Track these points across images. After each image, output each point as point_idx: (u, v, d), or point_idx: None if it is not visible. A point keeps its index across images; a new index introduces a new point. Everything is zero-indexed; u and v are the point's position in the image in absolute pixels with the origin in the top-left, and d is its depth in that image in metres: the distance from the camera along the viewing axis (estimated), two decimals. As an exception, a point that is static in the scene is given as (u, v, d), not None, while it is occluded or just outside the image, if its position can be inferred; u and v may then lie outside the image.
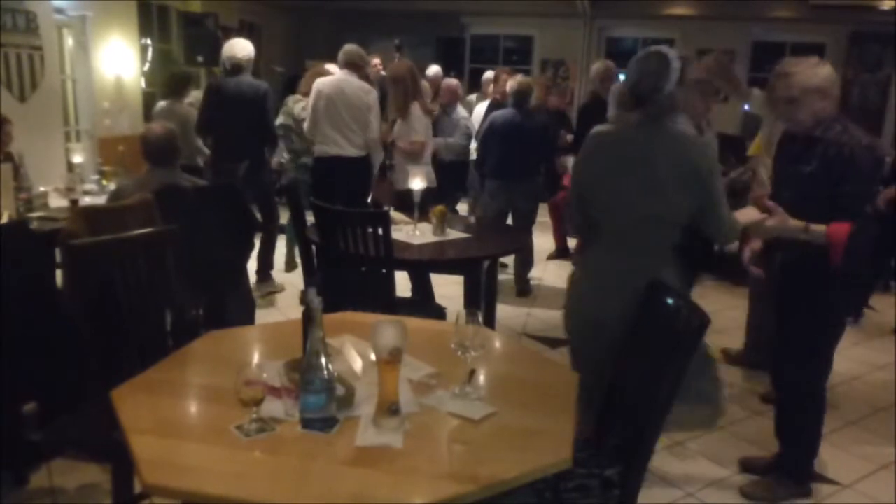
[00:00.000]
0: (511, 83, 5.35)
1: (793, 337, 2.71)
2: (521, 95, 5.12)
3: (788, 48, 10.33)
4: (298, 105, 5.20)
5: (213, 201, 3.48)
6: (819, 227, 2.41)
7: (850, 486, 2.95)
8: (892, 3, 9.62)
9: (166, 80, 5.76)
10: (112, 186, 4.38)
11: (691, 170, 2.21)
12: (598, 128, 2.45)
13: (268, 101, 4.91)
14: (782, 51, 10.45)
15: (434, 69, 7.08)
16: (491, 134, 5.13)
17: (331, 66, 5.41)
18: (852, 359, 4.32)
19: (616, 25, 11.48)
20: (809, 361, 2.70)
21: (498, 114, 5.22)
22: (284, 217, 5.28)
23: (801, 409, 2.79)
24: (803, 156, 2.53)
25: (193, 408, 1.81)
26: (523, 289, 5.42)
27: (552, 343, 4.43)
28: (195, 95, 6.22)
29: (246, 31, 10.14)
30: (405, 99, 4.54)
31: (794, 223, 2.45)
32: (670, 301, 1.96)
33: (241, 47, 4.96)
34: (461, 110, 6.06)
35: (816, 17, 10.07)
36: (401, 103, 4.58)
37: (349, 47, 4.76)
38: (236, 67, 4.90)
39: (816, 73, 2.46)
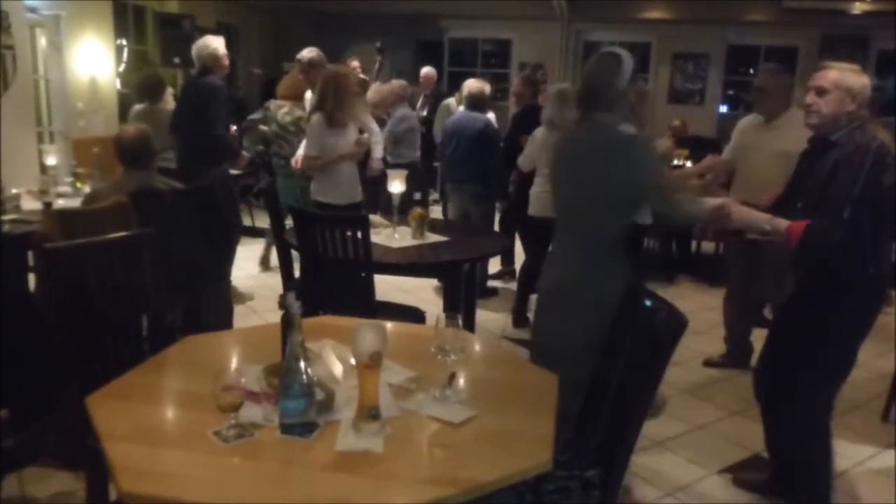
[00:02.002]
0: (467, 86, 5.26)
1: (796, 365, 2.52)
2: (472, 99, 5.07)
3: (762, 51, 10.47)
4: (282, 111, 5.14)
5: (191, 204, 3.44)
6: (781, 221, 2.36)
7: (825, 484, 2.99)
8: (862, 7, 9.80)
9: (138, 85, 5.67)
10: (87, 189, 4.32)
11: (631, 161, 2.35)
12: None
13: (208, 103, 4.63)
14: (756, 54, 10.60)
15: (427, 70, 7.05)
16: (444, 137, 5.18)
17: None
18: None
19: (593, 29, 11.55)
20: (811, 394, 2.51)
21: (451, 117, 5.26)
22: (263, 220, 5.26)
23: (801, 450, 2.57)
24: (817, 163, 2.44)
25: (171, 414, 1.79)
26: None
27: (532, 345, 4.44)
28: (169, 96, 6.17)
29: (223, 32, 10.07)
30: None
31: (760, 215, 2.42)
32: (648, 302, 1.97)
33: (202, 45, 4.78)
34: (401, 111, 5.82)
35: (789, 20, 10.22)
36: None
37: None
38: (201, 67, 4.78)
39: (856, 76, 2.43)
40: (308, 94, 4.94)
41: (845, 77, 2.40)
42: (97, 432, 1.58)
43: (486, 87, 5.19)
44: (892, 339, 4.33)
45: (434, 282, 5.34)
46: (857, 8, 9.83)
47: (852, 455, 3.23)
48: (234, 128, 5.27)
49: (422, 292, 5.30)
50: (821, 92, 2.41)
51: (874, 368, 4.23)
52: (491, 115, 5.54)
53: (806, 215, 2.36)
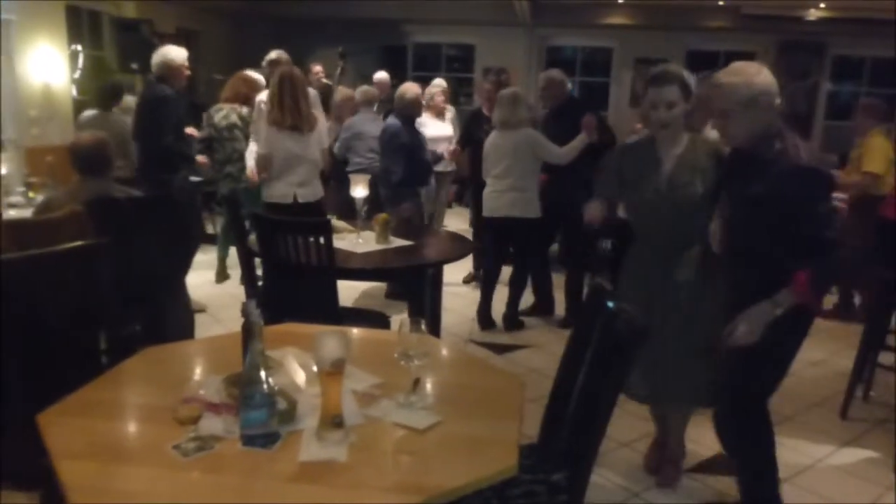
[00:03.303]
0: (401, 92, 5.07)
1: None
2: (400, 105, 4.91)
3: (722, 57, 10.68)
4: (219, 114, 5.10)
5: (149, 212, 3.38)
6: (784, 294, 2.23)
7: (787, 480, 3.03)
8: (818, 14, 10.07)
9: (96, 91, 5.57)
10: (40, 199, 4.21)
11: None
12: None
13: (159, 112, 4.66)
14: (716, 59, 10.81)
15: (381, 75, 7.04)
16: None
17: (252, 72, 5.37)
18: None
19: (556, 34, 11.68)
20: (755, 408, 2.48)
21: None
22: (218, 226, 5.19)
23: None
24: (750, 177, 2.36)
25: (128, 428, 1.74)
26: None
27: (498, 349, 4.46)
28: (129, 102, 6.06)
29: (183, 37, 9.92)
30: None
31: (763, 308, 2.26)
32: (610, 305, 1.98)
33: (158, 54, 4.79)
34: (349, 119, 5.68)
35: (747, 26, 10.46)
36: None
37: None
38: (157, 76, 4.78)
39: (750, 83, 2.27)
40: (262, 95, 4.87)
41: (740, 91, 2.27)
42: (50, 450, 1.53)
43: (408, 93, 4.95)
44: (850, 337, 4.43)
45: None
46: (813, 14, 10.11)
47: (812, 452, 3.29)
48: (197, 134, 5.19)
49: (401, 302, 5.26)
50: (725, 115, 2.32)
51: (833, 367, 4.32)
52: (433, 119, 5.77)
53: (750, 232, 2.35)
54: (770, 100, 2.28)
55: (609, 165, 2.88)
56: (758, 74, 2.29)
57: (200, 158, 4.87)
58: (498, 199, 4.56)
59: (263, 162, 4.12)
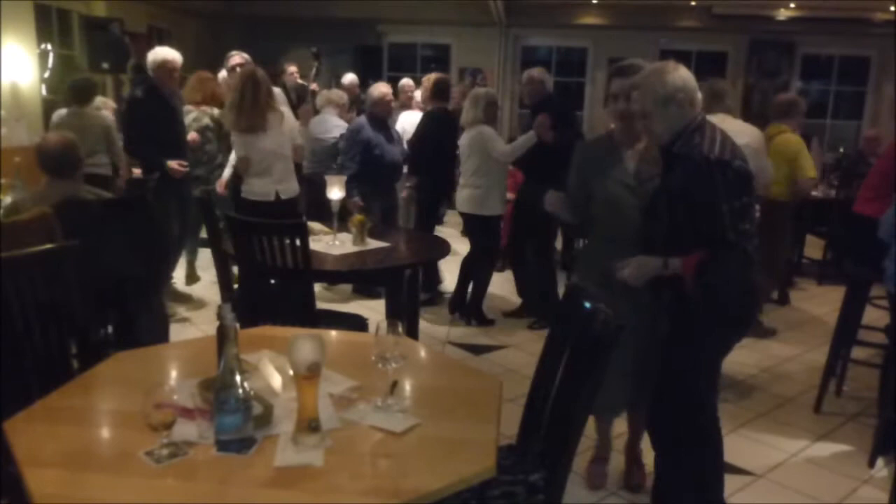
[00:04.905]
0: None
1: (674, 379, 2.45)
2: (368, 104, 5.03)
3: (694, 56, 10.80)
4: (189, 116, 5.02)
5: (120, 214, 3.32)
6: (675, 262, 2.27)
7: (763, 475, 3.07)
8: (788, 14, 10.22)
9: (68, 88, 5.47)
10: (7, 200, 4.11)
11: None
12: None
13: (125, 113, 4.81)
14: (689, 59, 10.92)
15: (349, 77, 7.02)
16: None
17: (222, 74, 5.33)
18: (761, 351, 4.52)
19: (531, 34, 11.71)
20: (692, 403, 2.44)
21: None
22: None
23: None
24: (666, 174, 2.37)
25: (99, 435, 1.71)
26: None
27: (476, 350, 4.45)
28: (102, 101, 5.97)
29: (155, 36, 9.79)
30: None
31: (653, 262, 2.32)
32: (587, 304, 1.98)
33: (149, 54, 4.80)
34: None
35: (719, 26, 10.59)
36: None
37: None
38: (146, 77, 4.81)
39: (664, 81, 2.26)
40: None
41: (656, 90, 2.26)
42: (16, 458, 1.49)
43: (374, 92, 4.99)
44: (823, 332, 4.50)
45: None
46: (784, 14, 10.26)
47: (786, 447, 3.32)
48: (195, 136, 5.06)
49: (365, 299, 5.25)
50: (645, 115, 2.31)
51: (806, 362, 4.38)
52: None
53: (669, 230, 2.33)
54: (687, 96, 2.27)
55: (572, 163, 2.85)
56: (672, 73, 2.28)
57: (172, 164, 4.72)
58: (458, 194, 4.81)
59: (243, 165, 4.16)
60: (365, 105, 5.07)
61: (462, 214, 4.85)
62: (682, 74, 2.30)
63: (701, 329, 2.34)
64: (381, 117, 5.00)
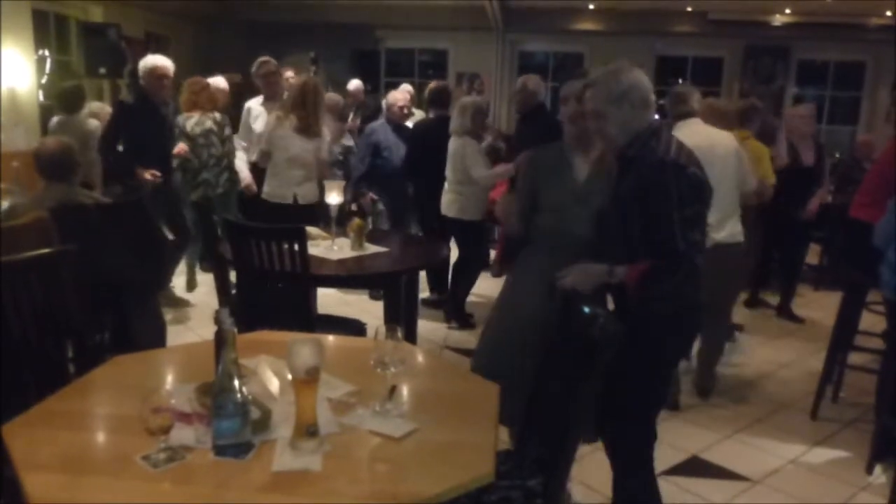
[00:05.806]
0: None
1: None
2: (386, 109, 5.53)
3: (690, 62, 10.82)
4: (191, 122, 4.97)
5: (116, 219, 3.31)
6: (620, 269, 2.19)
7: (760, 481, 3.07)
8: (784, 19, 10.27)
9: (58, 96, 5.46)
10: (5, 205, 4.11)
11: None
12: None
13: (110, 116, 4.92)
14: (684, 64, 10.97)
15: (354, 83, 7.02)
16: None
17: (218, 79, 5.35)
18: (759, 357, 4.52)
19: (528, 40, 11.73)
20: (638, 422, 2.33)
21: None
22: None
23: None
24: (620, 180, 2.28)
25: (96, 439, 1.70)
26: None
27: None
28: (98, 107, 5.95)
29: (152, 42, 9.79)
30: None
31: (598, 269, 2.23)
32: (586, 309, 1.98)
33: (141, 61, 4.85)
34: None
35: (715, 31, 10.62)
36: None
37: None
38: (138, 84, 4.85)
39: (619, 79, 2.19)
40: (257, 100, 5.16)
41: (610, 90, 2.19)
42: (14, 462, 1.48)
43: (390, 98, 5.53)
44: (820, 338, 4.50)
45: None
46: (779, 19, 10.30)
47: (783, 453, 3.32)
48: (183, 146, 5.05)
49: (364, 304, 5.25)
50: (598, 115, 2.23)
51: (803, 368, 4.39)
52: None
53: (622, 236, 2.24)
54: (641, 96, 2.19)
55: (521, 170, 2.81)
56: (626, 72, 2.21)
57: (143, 173, 4.65)
58: (443, 198, 4.90)
59: (264, 159, 4.27)
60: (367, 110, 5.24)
61: (444, 218, 4.92)
62: (636, 75, 2.22)
63: (644, 338, 2.14)
64: (395, 121, 5.42)
